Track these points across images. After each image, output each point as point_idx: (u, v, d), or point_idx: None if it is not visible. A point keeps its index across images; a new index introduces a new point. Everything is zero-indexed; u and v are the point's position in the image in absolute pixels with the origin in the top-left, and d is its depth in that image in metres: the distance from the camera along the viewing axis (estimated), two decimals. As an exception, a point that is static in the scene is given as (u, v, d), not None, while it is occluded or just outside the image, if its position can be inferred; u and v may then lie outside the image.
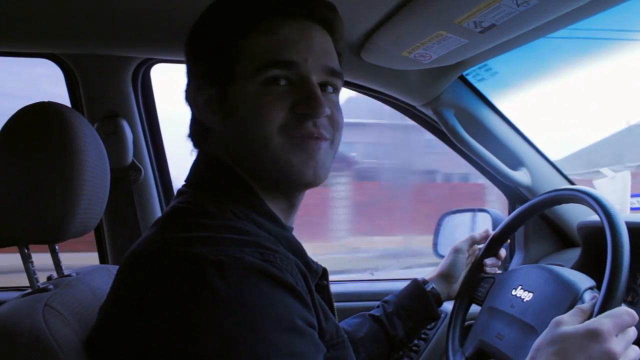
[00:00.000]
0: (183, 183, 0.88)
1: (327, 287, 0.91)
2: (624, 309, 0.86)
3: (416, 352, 1.69)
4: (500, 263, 1.32)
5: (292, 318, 0.69)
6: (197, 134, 0.89)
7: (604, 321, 0.83)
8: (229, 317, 0.65)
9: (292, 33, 0.82)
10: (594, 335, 0.81)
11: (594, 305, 0.90)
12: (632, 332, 0.85)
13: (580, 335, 0.82)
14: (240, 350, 0.64)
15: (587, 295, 0.99)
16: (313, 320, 0.74)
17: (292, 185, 0.85)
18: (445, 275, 1.30)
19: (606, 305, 0.88)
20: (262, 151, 0.81)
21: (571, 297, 1.00)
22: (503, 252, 1.33)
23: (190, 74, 0.89)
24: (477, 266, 1.29)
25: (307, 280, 0.78)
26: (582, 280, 1.04)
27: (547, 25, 1.09)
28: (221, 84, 0.83)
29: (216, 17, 0.85)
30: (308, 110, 0.81)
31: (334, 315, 0.89)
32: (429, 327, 1.68)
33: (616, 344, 0.81)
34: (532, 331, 1.02)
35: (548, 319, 0.91)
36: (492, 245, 1.30)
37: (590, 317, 0.88)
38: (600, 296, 0.90)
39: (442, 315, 1.60)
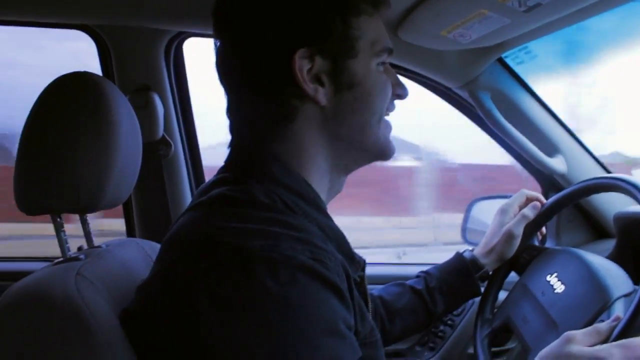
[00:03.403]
0: (223, 166, 0.86)
1: (364, 279, 0.90)
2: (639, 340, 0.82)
3: (442, 337, 1.68)
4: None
5: (336, 322, 0.69)
6: (282, 113, 0.82)
7: (614, 351, 0.80)
8: (276, 315, 0.65)
9: (382, 23, 0.88)
10: None
11: (612, 329, 0.86)
12: None
13: None
14: (283, 349, 0.64)
15: (618, 305, 0.95)
16: (352, 322, 0.74)
17: (384, 156, 0.91)
18: (500, 259, 1.23)
19: (625, 333, 0.85)
20: (377, 124, 0.87)
21: (600, 304, 0.96)
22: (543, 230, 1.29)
23: (279, 43, 0.80)
24: (525, 234, 1.23)
25: (350, 280, 0.78)
26: (617, 286, 0.99)
27: (595, 6, 1.05)
28: (339, 57, 0.82)
29: None
30: (403, 92, 0.92)
31: (367, 306, 0.88)
32: (455, 313, 1.66)
33: None
34: (554, 327, 1.00)
35: (572, 320, 0.90)
36: (543, 217, 1.25)
37: (605, 340, 0.85)
38: (622, 320, 0.86)
39: (470, 302, 1.58)
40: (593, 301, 0.97)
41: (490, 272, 1.24)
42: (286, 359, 0.64)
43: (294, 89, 0.80)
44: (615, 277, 1.02)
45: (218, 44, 0.86)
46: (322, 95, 0.81)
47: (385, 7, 0.88)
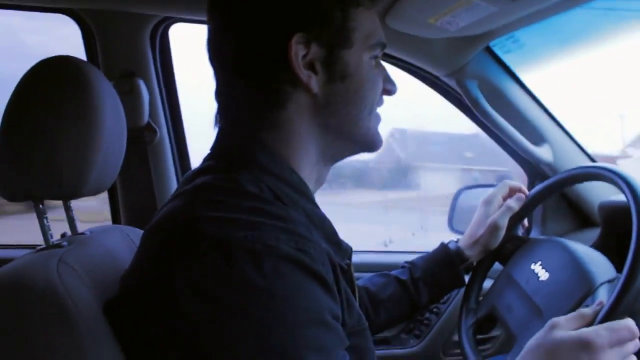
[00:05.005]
0: (209, 153, 0.85)
1: (350, 266, 0.90)
2: (624, 323, 0.83)
3: (427, 325, 1.69)
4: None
5: (322, 312, 0.69)
6: (274, 98, 0.81)
7: (600, 333, 0.81)
8: (260, 307, 0.64)
9: (377, 18, 0.88)
10: (586, 346, 0.80)
11: (596, 313, 0.88)
12: (630, 347, 0.83)
13: (572, 344, 0.81)
14: (269, 340, 0.64)
15: (602, 290, 0.96)
16: (339, 312, 0.73)
17: (373, 148, 0.91)
18: (485, 251, 1.23)
19: (609, 317, 0.86)
20: (368, 117, 0.87)
21: (584, 290, 0.97)
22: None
23: (277, 26, 0.79)
24: (509, 225, 1.23)
25: (336, 270, 0.77)
26: (601, 272, 1.00)
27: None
28: (335, 46, 0.81)
29: None
30: (392, 88, 0.92)
31: (354, 294, 0.88)
32: (441, 301, 1.67)
33: (609, 357, 0.80)
34: (539, 314, 1.01)
35: (557, 306, 0.91)
36: (509, 227, 1.25)
37: (590, 324, 0.86)
38: (607, 304, 0.88)
39: (455, 290, 1.59)
40: (577, 287, 0.98)
41: (475, 263, 1.24)
42: (272, 350, 0.64)
43: (288, 75, 0.79)
44: (599, 264, 1.03)
45: (211, 24, 0.85)
46: (314, 82, 0.80)
47: (380, 2, 0.89)
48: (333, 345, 0.69)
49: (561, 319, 0.86)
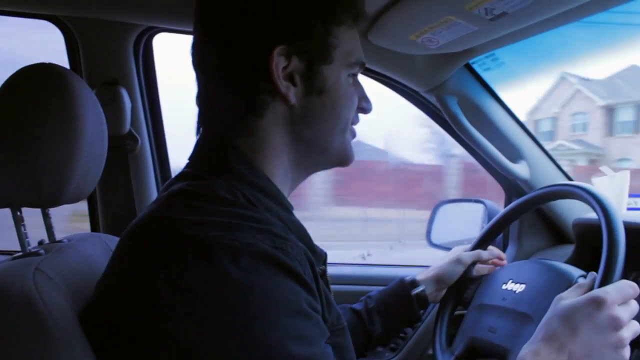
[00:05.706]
0: (187, 163, 0.86)
1: (325, 272, 0.91)
2: (625, 282, 0.87)
3: (403, 338, 1.70)
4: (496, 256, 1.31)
5: (300, 303, 0.71)
6: (252, 106, 0.83)
7: (608, 290, 0.85)
8: (240, 301, 0.66)
9: (359, 37, 0.91)
10: (598, 303, 0.83)
11: (593, 282, 0.90)
12: (634, 305, 0.86)
13: (585, 304, 0.84)
14: (251, 332, 0.66)
15: (581, 281, 0.99)
16: (318, 307, 0.75)
17: (344, 163, 0.93)
18: (439, 280, 1.26)
19: (606, 280, 0.89)
20: (341, 133, 0.89)
21: (566, 284, 1.00)
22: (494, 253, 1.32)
23: (260, 37, 0.81)
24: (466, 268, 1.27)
25: (314, 268, 0.79)
26: (576, 270, 1.05)
27: (559, 17, 1.07)
28: (315, 61, 0.83)
29: None
30: (368, 107, 0.94)
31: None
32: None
33: (620, 312, 0.83)
34: (528, 319, 1.03)
35: (544, 305, 0.92)
36: (483, 241, 1.29)
37: (590, 290, 0.89)
38: (598, 275, 0.90)
39: (431, 305, 1.60)
40: (558, 284, 1.01)
41: (428, 292, 1.25)
42: (254, 342, 0.66)
43: (267, 84, 0.81)
44: (570, 266, 1.08)
45: (196, 31, 0.86)
46: (293, 94, 0.82)
47: (363, 21, 0.90)
48: (314, 334, 0.71)
49: (564, 293, 0.90)
